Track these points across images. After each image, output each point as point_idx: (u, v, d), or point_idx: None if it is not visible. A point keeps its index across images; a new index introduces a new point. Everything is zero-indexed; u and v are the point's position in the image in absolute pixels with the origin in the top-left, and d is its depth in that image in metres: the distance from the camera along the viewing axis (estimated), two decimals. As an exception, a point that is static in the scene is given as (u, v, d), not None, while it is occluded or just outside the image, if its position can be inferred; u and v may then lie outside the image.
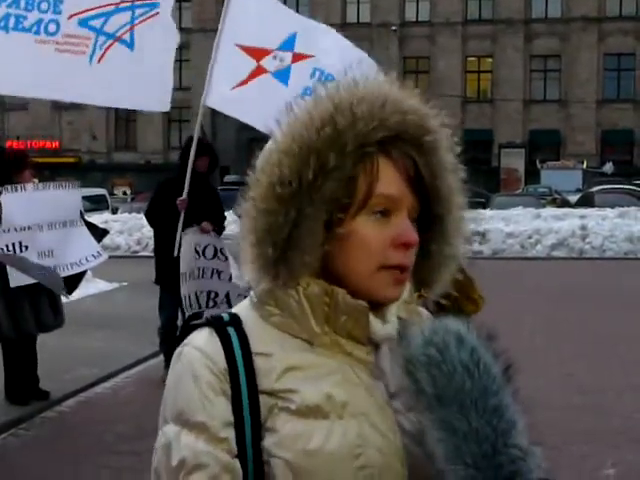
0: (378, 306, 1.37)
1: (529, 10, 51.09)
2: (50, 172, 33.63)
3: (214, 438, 1.29)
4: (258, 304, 1.39)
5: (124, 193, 36.50)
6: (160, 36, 6.89)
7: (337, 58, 7.30)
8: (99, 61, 6.61)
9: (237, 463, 1.30)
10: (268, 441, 1.30)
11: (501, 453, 1.21)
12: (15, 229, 6.61)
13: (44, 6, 6.57)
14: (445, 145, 1.37)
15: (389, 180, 1.32)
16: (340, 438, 1.29)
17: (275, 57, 7.40)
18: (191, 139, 8.49)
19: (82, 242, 7.04)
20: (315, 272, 1.34)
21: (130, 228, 22.13)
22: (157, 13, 6.91)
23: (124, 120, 56.69)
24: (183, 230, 7.27)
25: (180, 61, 56.57)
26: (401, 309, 1.41)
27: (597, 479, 5.34)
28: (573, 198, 32.39)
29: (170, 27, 7.02)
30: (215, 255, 7.46)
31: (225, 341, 1.34)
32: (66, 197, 7.07)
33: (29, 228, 6.63)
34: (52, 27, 6.53)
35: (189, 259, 7.37)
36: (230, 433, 1.30)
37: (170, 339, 8.26)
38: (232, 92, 7.31)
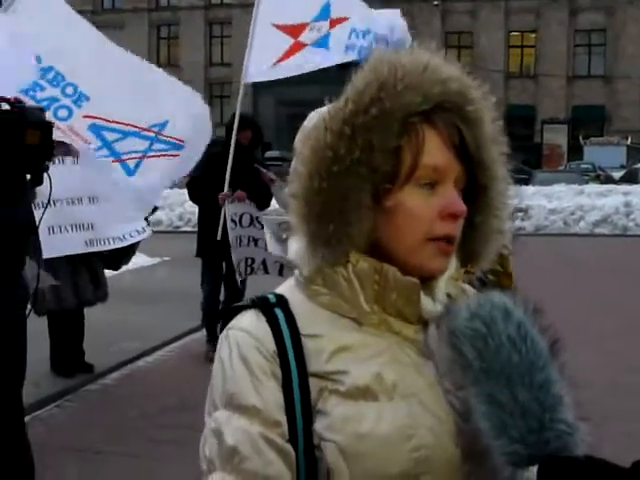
0: (426, 282, 1.35)
1: (574, -17, 50.33)
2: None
3: (268, 421, 1.27)
4: (305, 284, 1.37)
5: None
6: (161, 177, 6.64)
7: (371, 19, 7.55)
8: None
9: (290, 447, 1.28)
10: (319, 424, 1.28)
11: (548, 428, 1.21)
12: (54, 202, 6.60)
13: (69, 90, 6.31)
14: (488, 116, 1.36)
15: (435, 150, 1.30)
16: (391, 420, 1.27)
17: (312, 29, 7.53)
18: (234, 115, 8.52)
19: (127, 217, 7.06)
20: (363, 250, 1.33)
21: (172, 204, 22.18)
22: (177, 155, 6.63)
23: (166, 96, 56.87)
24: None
25: (222, 37, 56.72)
26: (449, 286, 1.40)
27: (640, 457, 5.28)
28: (617, 174, 32.01)
29: (176, 172, 6.81)
30: (251, 223, 7.55)
31: (273, 323, 1.32)
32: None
33: (65, 201, 6.62)
34: (63, 112, 6.23)
35: (229, 229, 7.50)
36: (282, 417, 1.28)
37: (212, 313, 8.31)
38: (273, 68, 7.42)
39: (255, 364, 1.29)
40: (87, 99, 6.36)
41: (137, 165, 6.54)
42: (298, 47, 7.52)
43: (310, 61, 7.59)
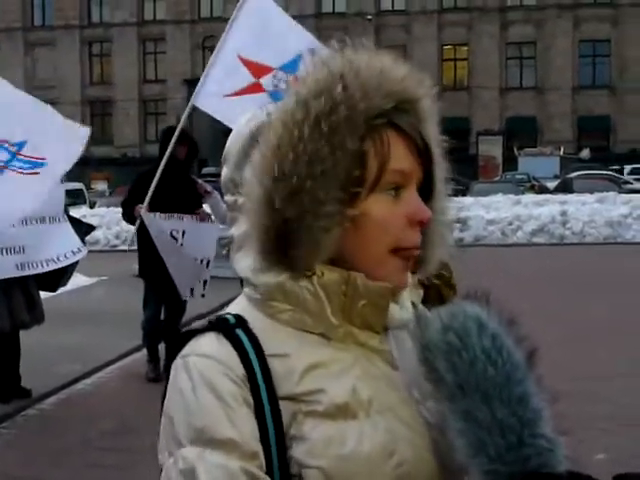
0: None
1: (504, -3, 51.26)
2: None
3: (246, 454, 1.16)
4: (262, 301, 1.26)
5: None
6: (24, 191, 6.41)
7: None
8: None
9: (269, 479, 1.17)
10: (297, 451, 1.18)
11: (527, 444, 1.14)
12: None
13: None
14: (435, 114, 1.31)
15: (400, 154, 1.23)
16: (372, 437, 1.19)
17: (275, 76, 7.04)
18: (168, 129, 8.41)
19: (62, 238, 6.86)
20: (326, 260, 1.24)
21: (108, 222, 21.99)
22: (36, 173, 6.45)
23: (100, 113, 56.38)
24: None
25: (155, 53, 56.41)
26: (412, 294, 1.33)
27: (589, 464, 5.28)
28: (551, 185, 32.55)
29: (43, 188, 6.51)
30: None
31: (237, 345, 1.20)
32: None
33: None
34: None
35: (159, 243, 7.37)
36: (259, 447, 1.17)
37: (153, 333, 8.18)
38: (223, 100, 7.17)
39: (225, 391, 1.17)
40: None
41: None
42: (256, 89, 7.09)
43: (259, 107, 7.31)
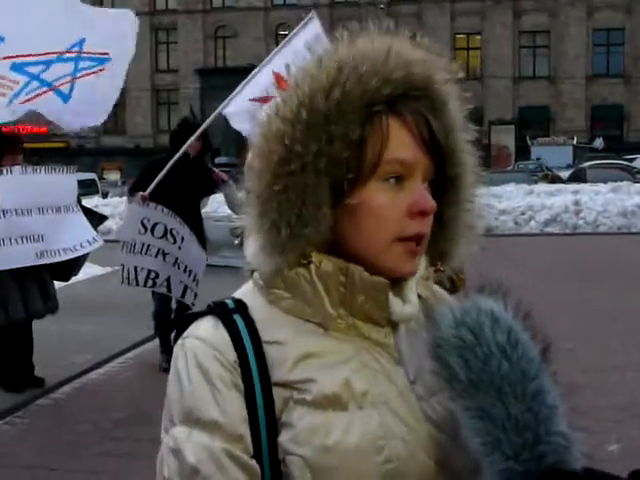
0: (395, 283, 1.26)
1: (517, -14, 50.95)
2: (39, 157, 33.43)
3: (231, 436, 1.18)
4: (264, 288, 1.27)
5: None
6: (100, 92, 6.46)
7: None
8: (22, 103, 6.18)
9: (255, 463, 1.19)
10: (284, 437, 1.19)
11: (543, 442, 1.12)
12: (3, 214, 6.42)
13: None
14: (456, 101, 1.26)
15: (401, 143, 1.20)
16: (361, 430, 1.18)
17: None
18: (183, 121, 8.39)
19: (77, 228, 6.88)
20: (326, 249, 1.23)
21: (121, 212, 21.93)
22: (103, 69, 6.47)
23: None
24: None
25: (167, 43, 56.38)
26: (420, 286, 1.31)
27: (601, 455, 5.29)
28: (564, 174, 32.39)
29: (115, 85, 6.58)
30: (164, 235, 7.22)
31: (232, 330, 1.22)
32: (60, 182, 6.87)
33: (15, 212, 6.46)
34: None
35: (132, 230, 7.19)
36: (246, 430, 1.19)
37: (165, 323, 8.18)
38: (248, 103, 7.29)
39: (215, 375, 1.20)
40: (2, 40, 6.20)
41: (71, 89, 6.37)
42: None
43: None
